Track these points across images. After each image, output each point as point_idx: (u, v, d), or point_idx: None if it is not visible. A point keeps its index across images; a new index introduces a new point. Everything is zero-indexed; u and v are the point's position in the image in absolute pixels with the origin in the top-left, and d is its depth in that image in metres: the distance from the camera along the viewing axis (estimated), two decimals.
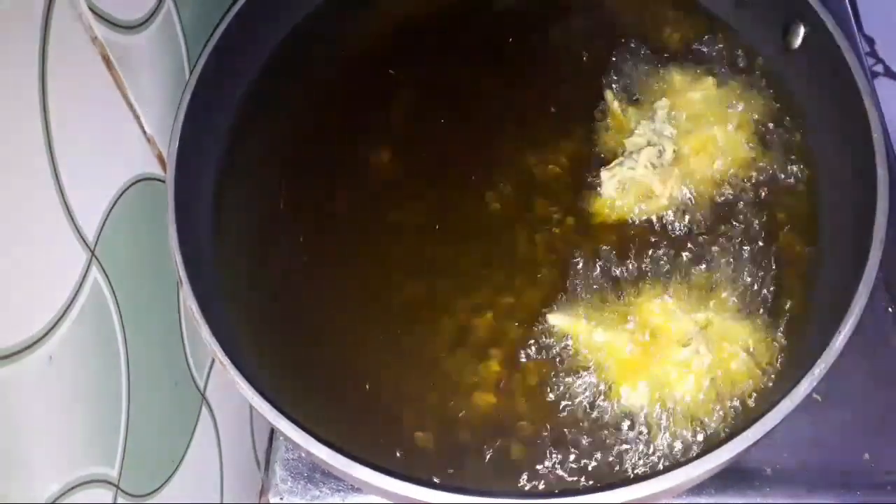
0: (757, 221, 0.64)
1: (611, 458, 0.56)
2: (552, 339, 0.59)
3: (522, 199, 0.65)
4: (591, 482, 0.55)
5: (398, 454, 0.57)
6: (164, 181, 0.63)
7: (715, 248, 0.62)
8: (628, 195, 0.64)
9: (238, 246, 0.65)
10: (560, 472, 0.55)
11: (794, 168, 0.66)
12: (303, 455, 0.64)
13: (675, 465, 0.52)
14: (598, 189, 0.65)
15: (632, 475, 0.55)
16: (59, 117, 0.48)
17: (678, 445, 0.56)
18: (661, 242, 0.63)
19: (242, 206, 0.67)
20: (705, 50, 0.72)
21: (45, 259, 0.48)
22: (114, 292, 0.55)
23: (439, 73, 0.72)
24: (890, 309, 0.70)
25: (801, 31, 0.67)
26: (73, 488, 0.49)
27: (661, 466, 0.55)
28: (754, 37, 0.72)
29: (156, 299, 0.64)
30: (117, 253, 0.56)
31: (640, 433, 0.56)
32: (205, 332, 0.54)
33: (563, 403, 0.57)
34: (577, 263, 0.62)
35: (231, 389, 0.54)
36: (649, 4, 0.75)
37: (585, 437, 0.56)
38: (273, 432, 0.70)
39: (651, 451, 0.56)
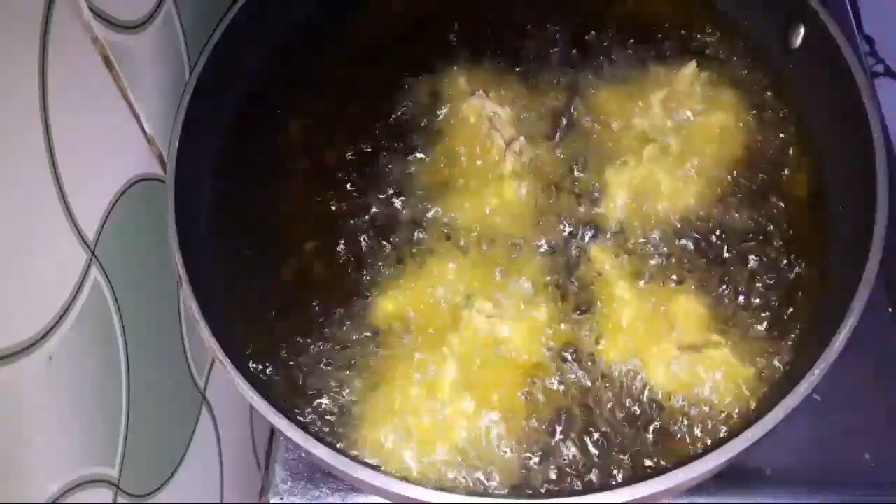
0: (757, 221, 0.64)
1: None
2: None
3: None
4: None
5: None
6: (164, 181, 0.63)
7: (717, 249, 0.63)
8: (636, 193, 0.65)
9: (238, 246, 0.65)
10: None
11: (794, 168, 0.66)
12: (303, 455, 0.64)
13: (674, 464, 0.52)
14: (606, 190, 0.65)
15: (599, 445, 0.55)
16: (59, 117, 0.48)
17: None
18: (672, 242, 0.63)
19: (242, 206, 0.67)
20: (706, 49, 0.72)
21: (45, 259, 0.48)
22: (114, 292, 0.55)
23: (435, 70, 0.72)
24: (890, 309, 0.70)
25: (801, 31, 0.67)
26: (73, 488, 0.49)
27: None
28: (755, 37, 0.72)
29: (156, 299, 0.64)
30: (117, 253, 0.56)
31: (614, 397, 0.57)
32: (205, 332, 0.54)
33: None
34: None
35: (231, 389, 0.54)
36: (651, 1, 0.76)
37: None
38: (273, 432, 0.70)
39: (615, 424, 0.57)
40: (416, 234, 0.64)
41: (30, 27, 0.46)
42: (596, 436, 0.57)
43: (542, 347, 0.59)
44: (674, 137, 0.66)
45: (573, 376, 0.59)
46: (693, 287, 0.61)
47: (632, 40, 0.73)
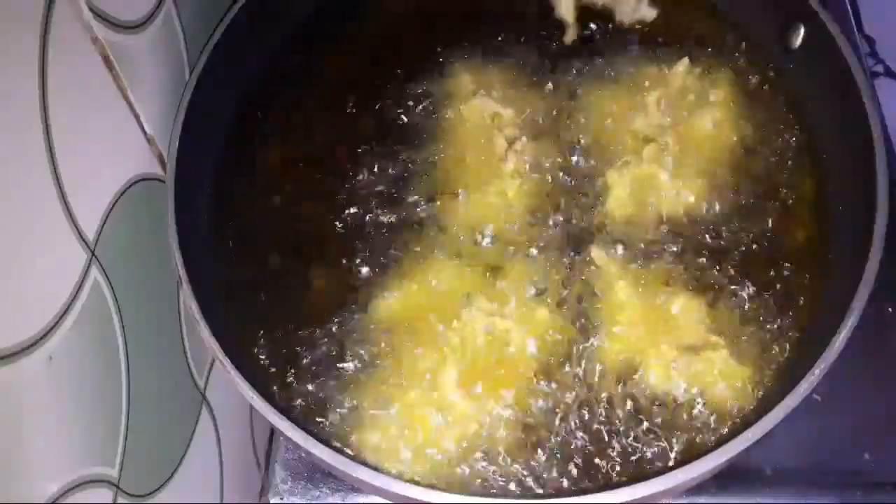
0: (757, 220, 0.64)
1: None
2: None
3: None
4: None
5: None
6: (164, 181, 0.63)
7: (716, 249, 0.63)
8: (637, 193, 0.65)
9: (238, 246, 0.65)
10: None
11: (794, 167, 0.66)
12: (303, 455, 0.64)
13: (674, 464, 0.52)
14: (608, 190, 0.65)
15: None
16: (59, 117, 0.48)
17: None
18: (672, 243, 0.63)
19: (242, 205, 0.67)
20: (705, 49, 0.72)
21: (45, 259, 0.48)
22: (114, 292, 0.55)
23: (436, 71, 0.72)
24: (890, 309, 0.70)
25: (801, 31, 0.67)
26: (73, 488, 0.49)
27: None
28: (755, 37, 0.72)
29: (156, 299, 0.64)
30: (117, 253, 0.56)
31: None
32: (205, 332, 0.54)
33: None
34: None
35: (231, 389, 0.54)
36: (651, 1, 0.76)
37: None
38: (273, 432, 0.70)
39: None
40: (416, 233, 0.64)
41: (30, 27, 0.46)
42: (595, 436, 0.57)
43: (542, 346, 0.59)
44: (673, 137, 0.66)
45: (573, 376, 0.59)
46: (692, 287, 0.61)
47: (632, 40, 0.73)
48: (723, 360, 0.58)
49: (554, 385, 0.58)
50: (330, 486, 0.65)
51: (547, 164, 0.67)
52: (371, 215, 0.66)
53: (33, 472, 0.46)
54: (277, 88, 0.73)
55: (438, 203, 0.66)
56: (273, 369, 0.60)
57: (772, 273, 0.62)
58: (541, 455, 0.56)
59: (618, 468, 0.56)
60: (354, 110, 0.71)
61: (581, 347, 0.60)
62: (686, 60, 0.69)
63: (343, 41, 0.76)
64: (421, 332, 0.60)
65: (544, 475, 0.56)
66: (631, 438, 0.56)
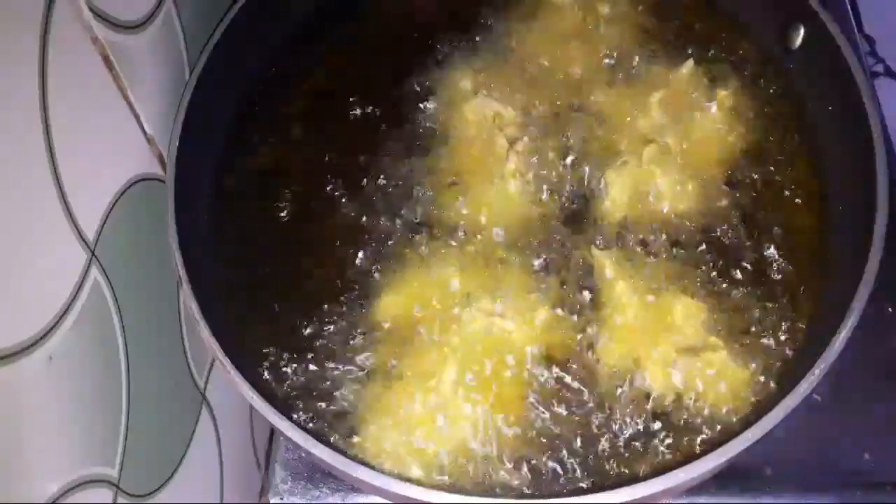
0: (756, 221, 0.64)
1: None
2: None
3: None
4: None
5: None
6: (164, 181, 0.63)
7: (716, 250, 0.63)
8: (637, 194, 0.65)
9: (238, 246, 0.65)
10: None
11: (794, 168, 0.66)
12: (303, 455, 0.64)
13: (674, 464, 0.52)
14: (607, 191, 0.65)
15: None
16: (59, 117, 0.48)
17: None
18: (672, 243, 0.63)
19: (242, 205, 0.67)
20: (705, 49, 0.72)
21: (45, 259, 0.48)
22: (114, 292, 0.55)
23: (437, 71, 0.72)
24: (890, 309, 0.70)
25: (801, 31, 0.67)
26: (73, 488, 0.50)
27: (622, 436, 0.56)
28: (755, 37, 0.72)
29: (156, 299, 0.64)
30: (117, 253, 0.56)
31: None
32: (205, 332, 0.54)
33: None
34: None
35: (231, 389, 0.54)
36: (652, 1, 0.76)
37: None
38: (273, 432, 0.71)
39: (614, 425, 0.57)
40: (417, 233, 0.64)
41: (30, 27, 0.46)
42: (595, 436, 0.57)
43: (542, 347, 0.59)
44: (673, 138, 0.66)
45: (572, 376, 0.59)
46: (692, 288, 0.61)
47: (632, 40, 0.73)
48: (722, 361, 0.58)
49: (554, 385, 0.58)
50: (330, 486, 0.65)
51: (548, 164, 0.67)
52: (371, 215, 0.66)
53: (33, 472, 0.46)
54: (277, 88, 0.73)
55: (439, 203, 0.66)
56: (273, 369, 0.60)
57: (771, 273, 0.62)
58: (541, 455, 0.56)
59: (617, 468, 0.56)
60: (354, 111, 0.71)
61: (581, 348, 0.60)
62: (691, 63, 0.69)
63: (343, 41, 0.76)
64: (421, 332, 0.60)
65: (544, 475, 0.56)
66: (630, 439, 0.57)
